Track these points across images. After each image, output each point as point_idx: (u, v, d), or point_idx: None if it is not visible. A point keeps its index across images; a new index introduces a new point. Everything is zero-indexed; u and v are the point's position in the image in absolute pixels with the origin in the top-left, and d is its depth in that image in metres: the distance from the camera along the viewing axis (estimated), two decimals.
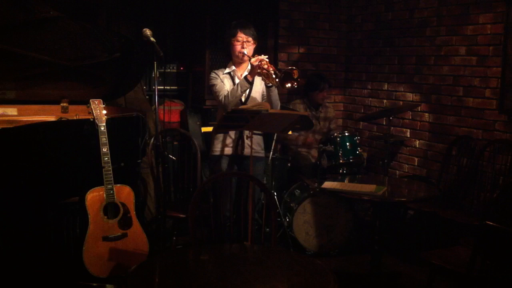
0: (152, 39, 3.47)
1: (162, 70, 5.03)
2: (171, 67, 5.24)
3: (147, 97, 5.01)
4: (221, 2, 5.18)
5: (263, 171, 4.22)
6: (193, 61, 5.34)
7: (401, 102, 5.23)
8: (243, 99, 3.92)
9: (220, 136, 3.96)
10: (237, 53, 3.89)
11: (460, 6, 4.57)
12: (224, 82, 3.93)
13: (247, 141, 3.92)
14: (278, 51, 5.58)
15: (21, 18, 3.46)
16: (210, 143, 4.10)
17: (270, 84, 3.76)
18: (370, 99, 5.63)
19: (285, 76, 3.54)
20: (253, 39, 3.90)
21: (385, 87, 5.42)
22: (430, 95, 4.91)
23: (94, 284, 3.36)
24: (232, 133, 3.93)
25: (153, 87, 4.04)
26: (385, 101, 5.44)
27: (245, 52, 3.85)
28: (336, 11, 5.80)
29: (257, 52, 3.92)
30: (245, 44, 3.87)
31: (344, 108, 6.01)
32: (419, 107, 4.98)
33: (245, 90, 3.82)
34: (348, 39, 5.86)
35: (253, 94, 3.95)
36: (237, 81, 3.93)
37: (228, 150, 3.96)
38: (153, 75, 3.75)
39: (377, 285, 3.82)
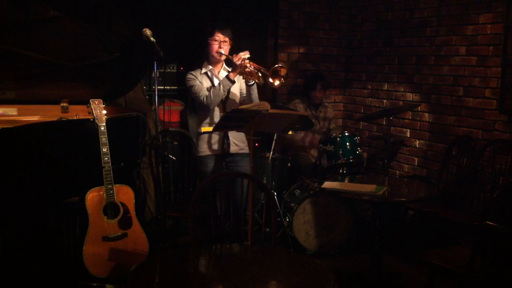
0: (152, 39, 3.47)
1: (162, 70, 5.03)
2: (171, 67, 5.24)
3: (147, 97, 5.01)
4: (221, 2, 5.18)
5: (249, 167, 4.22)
6: (193, 61, 5.33)
7: (401, 102, 5.23)
8: (223, 98, 3.96)
9: (205, 137, 4.01)
10: (214, 52, 3.97)
11: (460, 6, 4.57)
12: (202, 82, 3.98)
13: (232, 139, 3.98)
14: (278, 51, 5.58)
15: (21, 18, 3.46)
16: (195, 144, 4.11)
17: (252, 82, 3.82)
18: (370, 99, 5.63)
19: (272, 74, 3.60)
20: (230, 39, 3.98)
21: (385, 87, 5.42)
22: (430, 95, 4.91)
23: (94, 284, 3.35)
24: (216, 133, 3.97)
25: (153, 87, 4.04)
26: (385, 101, 5.44)
27: (223, 52, 3.94)
28: (336, 11, 5.80)
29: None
30: (222, 44, 3.95)
31: (344, 108, 6.01)
32: (419, 107, 4.98)
33: (228, 89, 3.89)
34: (348, 39, 5.86)
35: (232, 91, 4.01)
36: (215, 79, 4.00)
37: (214, 150, 4.01)
38: (153, 75, 3.75)
39: (377, 285, 3.82)
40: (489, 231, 2.71)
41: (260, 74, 3.70)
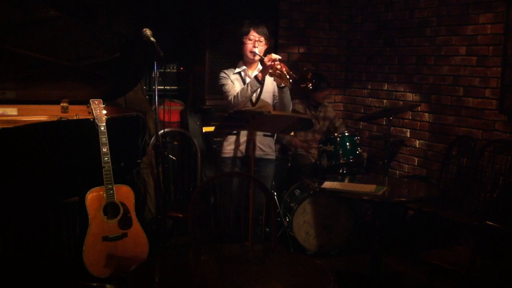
0: (152, 39, 3.46)
1: (162, 70, 5.03)
2: (171, 67, 5.24)
3: (147, 97, 5.01)
4: (221, 2, 5.18)
5: (273, 174, 4.10)
6: (193, 61, 5.34)
7: (401, 102, 5.23)
8: (253, 100, 3.83)
9: (231, 138, 3.86)
10: (248, 52, 3.80)
11: (460, 6, 4.57)
12: (234, 82, 3.84)
13: (258, 144, 3.87)
14: (278, 51, 5.57)
15: (21, 18, 3.46)
16: (216, 144, 4.01)
17: (283, 85, 3.67)
18: (370, 99, 5.63)
19: (300, 78, 3.51)
20: (266, 39, 3.82)
21: (385, 87, 5.42)
22: (430, 95, 4.91)
23: (94, 284, 3.36)
24: (243, 135, 3.84)
25: (153, 87, 4.03)
26: (385, 101, 5.44)
27: (257, 52, 3.77)
28: (336, 11, 5.80)
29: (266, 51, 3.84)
30: (257, 43, 3.78)
31: (344, 108, 6.01)
32: (419, 107, 4.98)
33: (256, 90, 3.71)
34: (348, 39, 5.86)
35: (264, 94, 3.86)
36: (247, 80, 3.84)
37: (239, 152, 3.86)
38: (153, 75, 3.74)
39: (377, 285, 3.82)
40: (489, 231, 2.71)
41: (288, 77, 3.53)
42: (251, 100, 3.83)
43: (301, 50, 5.70)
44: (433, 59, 4.85)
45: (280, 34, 5.58)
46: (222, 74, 3.88)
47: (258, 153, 3.85)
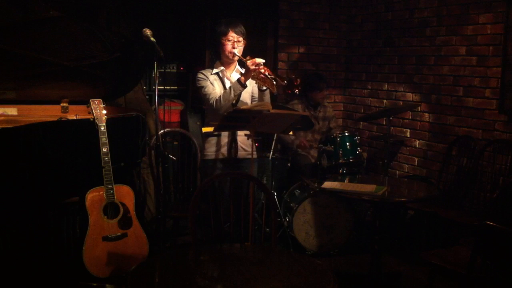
0: (152, 39, 3.46)
1: (162, 70, 5.02)
2: (171, 67, 5.24)
3: (147, 97, 5.01)
4: (221, 2, 5.19)
5: (257, 173, 4.11)
6: (193, 61, 5.34)
7: (401, 102, 5.23)
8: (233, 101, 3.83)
9: (212, 139, 3.85)
10: (227, 53, 3.77)
11: (460, 6, 4.57)
12: (214, 83, 3.81)
13: (240, 144, 3.88)
14: (278, 51, 5.58)
15: (21, 18, 3.46)
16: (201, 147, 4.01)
17: (265, 88, 3.68)
18: (370, 99, 5.63)
19: (287, 84, 3.51)
20: (244, 38, 3.79)
21: (385, 87, 5.42)
22: (430, 95, 4.91)
23: (94, 284, 3.36)
24: (224, 136, 3.84)
25: (153, 87, 4.03)
26: (385, 101, 5.44)
27: (236, 53, 3.75)
28: (336, 11, 5.80)
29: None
30: (235, 44, 3.76)
31: (344, 108, 6.01)
32: (419, 107, 4.99)
33: (238, 93, 3.71)
34: (348, 39, 5.86)
35: (243, 94, 3.83)
36: (226, 81, 3.84)
37: (221, 154, 3.84)
38: (153, 75, 3.74)
39: (377, 285, 3.82)
40: (489, 231, 2.70)
41: (274, 82, 3.54)
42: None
43: (301, 50, 5.70)
44: (433, 59, 4.86)
45: (280, 34, 5.58)
46: (200, 76, 3.82)
47: (241, 153, 3.85)
